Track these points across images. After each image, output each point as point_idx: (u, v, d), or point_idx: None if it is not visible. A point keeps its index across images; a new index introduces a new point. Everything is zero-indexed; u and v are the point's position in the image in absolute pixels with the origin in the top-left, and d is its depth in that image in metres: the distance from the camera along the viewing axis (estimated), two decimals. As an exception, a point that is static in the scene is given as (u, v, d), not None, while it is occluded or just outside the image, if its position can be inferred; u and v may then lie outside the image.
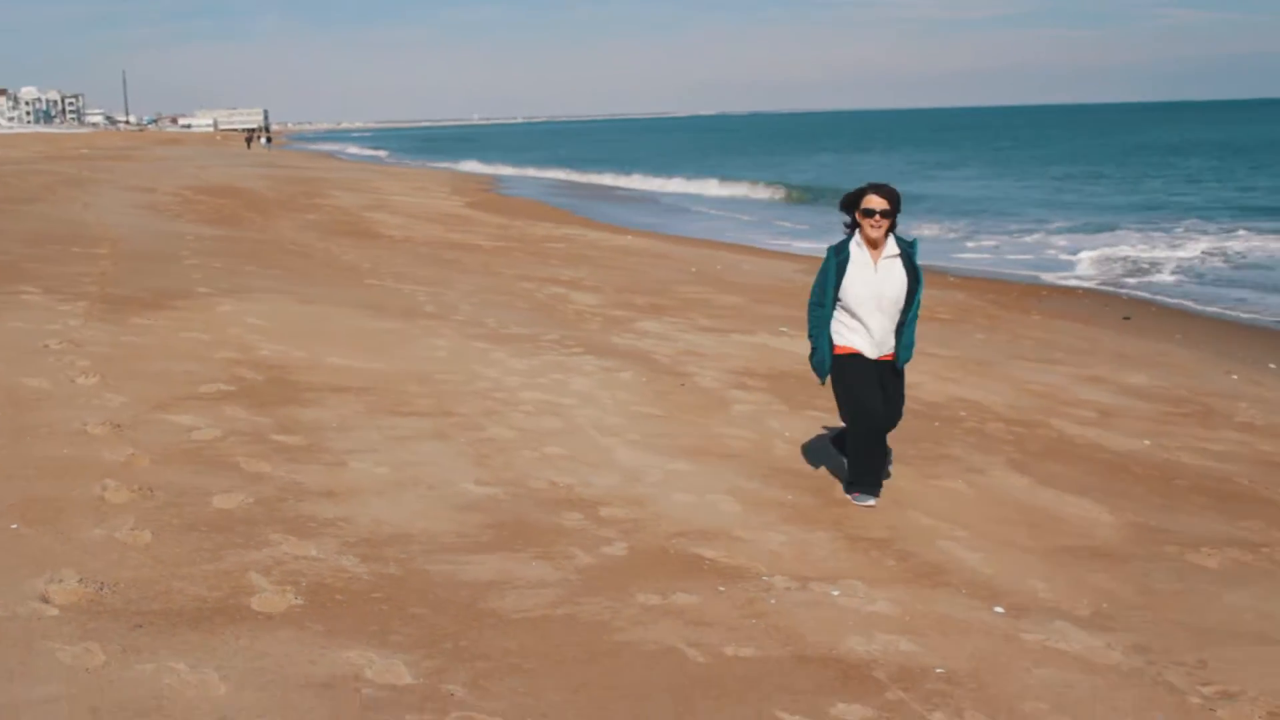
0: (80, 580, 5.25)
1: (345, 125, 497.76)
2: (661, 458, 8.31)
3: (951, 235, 31.69)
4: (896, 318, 7.50)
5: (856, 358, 7.54)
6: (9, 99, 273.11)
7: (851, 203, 7.48)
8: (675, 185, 57.25)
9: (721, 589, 5.92)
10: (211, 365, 9.85)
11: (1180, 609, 6.26)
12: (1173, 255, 27.47)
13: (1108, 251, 28.05)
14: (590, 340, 12.95)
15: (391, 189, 43.42)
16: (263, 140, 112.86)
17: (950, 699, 4.89)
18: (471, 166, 79.11)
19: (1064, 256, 27.59)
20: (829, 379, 7.75)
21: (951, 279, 22.28)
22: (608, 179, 64.16)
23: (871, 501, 7.67)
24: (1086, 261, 26.41)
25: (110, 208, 25.54)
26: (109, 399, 8.44)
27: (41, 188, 31.18)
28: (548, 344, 12.39)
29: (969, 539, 7.11)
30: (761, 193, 52.41)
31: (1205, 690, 5.21)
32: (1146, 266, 25.76)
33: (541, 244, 25.11)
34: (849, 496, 7.72)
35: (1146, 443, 10.24)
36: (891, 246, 7.46)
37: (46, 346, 9.92)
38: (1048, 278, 24.20)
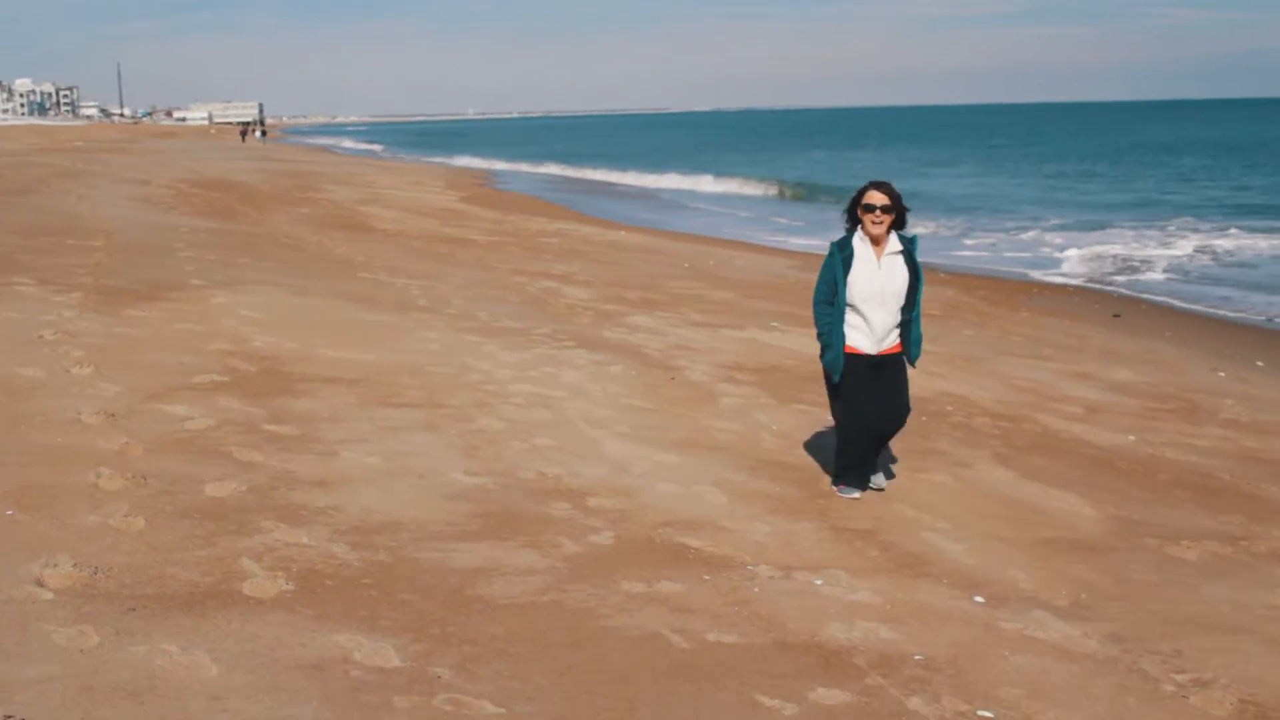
0: (75, 565, 5.34)
1: (340, 119, 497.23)
2: (650, 449, 8.40)
3: (944, 233, 31.77)
4: (897, 314, 7.52)
5: (853, 358, 7.57)
6: (3, 91, 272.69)
7: (853, 200, 7.52)
8: (670, 181, 57.27)
9: (706, 577, 6.02)
10: (205, 356, 9.93)
11: (1157, 600, 6.37)
12: (1164, 253, 27.59)
13: (1099, 249, 28.16)
14: (581, 334, 13.04)
15: (386, 183, 43.46)
16: (257, 134, 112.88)
17: (928, 685, 4.99)
18: (466, 161, 79.10)
19: (1055, 254, 27.69)
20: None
21: (943, 275, 22.35)
22: (602, 174, 64.20)
23: (856, 494, 7.76)
24: (1077, 259, 26.51)
25: (105, 200, 25.59)
26: (103, 389, 8.52)
27: (36, 180, 31.22)
28: (539, 337, 12.48)
29: (952, 531, 7.22)
30: (756, 189, 52.47)
31: (1179, 678, 5.31)
32: (1137, 264, 25.87)
33: (535, 239, 25.18)
34: (834, 489, 7.82)
35: (1131, 438, 10.34)
36: (894, 243, 7.48)
37: (41, 337, 10.00)
38: (1038, 275, 24.29)
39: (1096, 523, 7.71)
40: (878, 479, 7.90)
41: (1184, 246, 28.79)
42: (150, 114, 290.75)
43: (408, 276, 16.74)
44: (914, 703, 4.80)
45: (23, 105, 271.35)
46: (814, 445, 8.88)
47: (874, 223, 7.37)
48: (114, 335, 10.40)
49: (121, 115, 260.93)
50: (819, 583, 6.11)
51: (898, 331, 7.57)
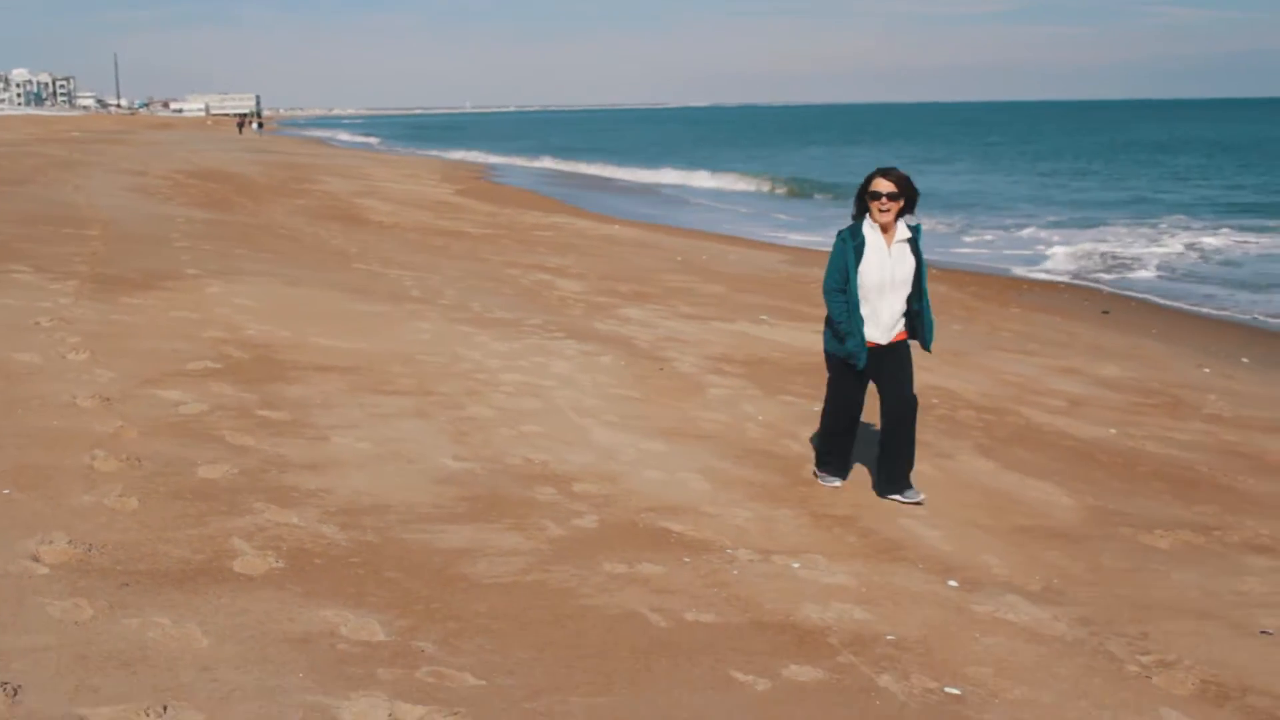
0: (70, 542, 5.48)
1: (337, 111, 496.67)
2: (636, 437, 8.55)
3: (942, 230, 31.89)
4: (904, 302, 7.52)
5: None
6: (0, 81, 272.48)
7: (861, 187, 7.51)
8: (666, 176, 57.37)
9: (686, 560, 6.16)
10: (199, 344, 10.06)
11: (1128, 585, 6.52)
12: (1154, 251, 27.77)
13: (1089, 246, 28.33)
14: (573, 325, 13.18)
15: (382, 176, 43.57)
16: (254, 125, 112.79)
17: (898, 663, 5.14)
18: (462, 154, 79.16)
19: (1045, 251, 27.86)
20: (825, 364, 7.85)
21: (934, 271, 22.41)
22: (598, 169, 64.29)
23: (837, 483, 7.88)
24: (1068, 256, 26.67)
25: (101, 190, 25.69)
26: (99, 374, 8.65)
27: (33, 169, 31.30)
28: (530, 328, 12.62)
29: (930, 518, 7.37)
30: (752, 185, 52.59)
31: (1143, 659, 5.47)
32: (1128, 262, 26.03)
33: (529, 232, 25.32)
34: (815, 475, 7.97)
35: (1113, 431, 10.50)
36: (903, 230, 7.49)
37: (37, 324, 10.13)
38: (1029, 271, 24.46)
39: (1073, 512, 7.87)
40: (912, 493, 7.63)
41: (1175, 244, 28.98)
42: (147, 105, 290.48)
43: (402, 268, 16.87)
44: (884, 680, 4.95)
45: (19, 95, 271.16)
46: (798, 435, 9.03)
47: (881, 210, 7.36)
48: (109, 322, 10.53)
49: (118, 106, 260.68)
50: (797, 566, 6.25)
51: (904, 319, 7.59)
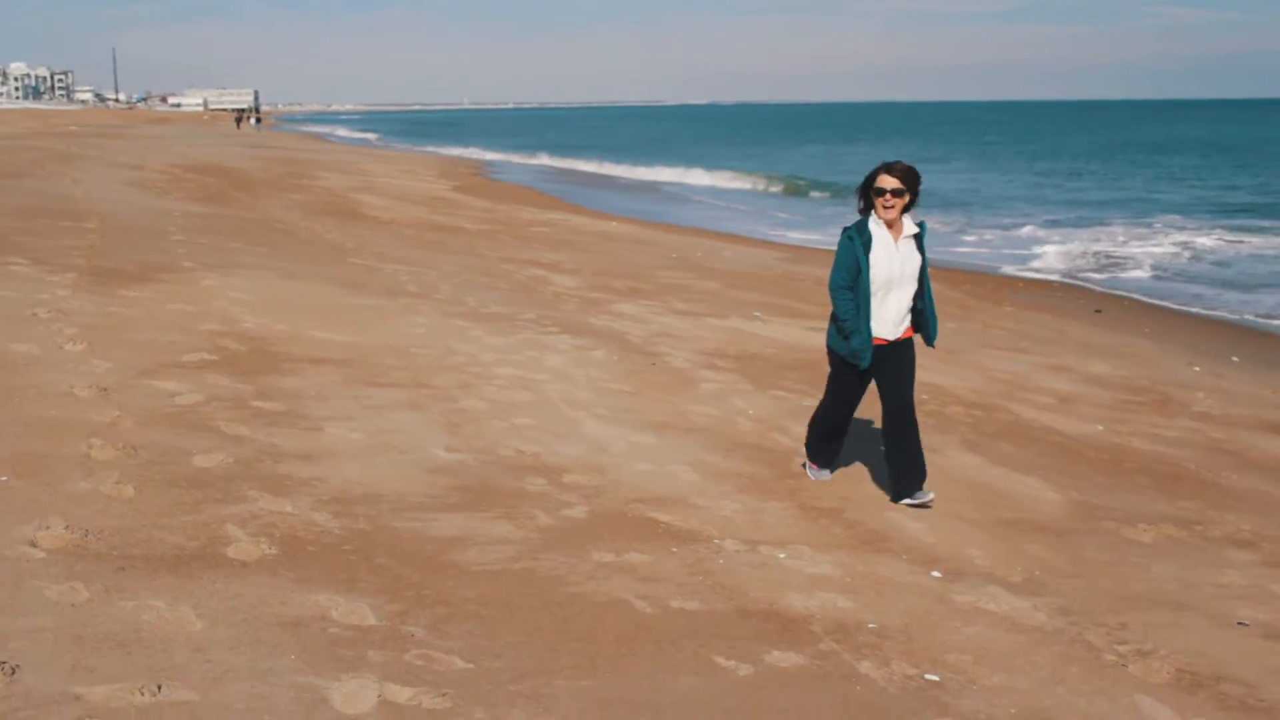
0: (67, 527, 5.57)
1: (335, 107, 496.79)
2: (627, 430, 8.65)
3: (940, 229, 32.00)
4: (910, 298, 7.53)
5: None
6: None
7: (866, 184, 7.46)
8: (662, 174, 57.47)
9: (674, 550, 6.27)
10: (195, 336, 10.15)
11: (1109, 577, 6.62)
12: (1148, 251, 27.89)
13: (1084, 246, 28.45)
14: (567, 320, 13.28)
15: (379, 171, 43.65)
16: (252, 121, 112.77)
17: (879, 650, 5.24)
18: (460, 151, 79.27)
19: (1040, 250, 27.96)
20: (827, 363, 7.83)
21: (930, 269, 22.57)
22: (595, 166, 64.41)
23: (826, 475, 7.97)
24: (1062, 255, 26.79)
25: (99, 184, 25.76)
26: (96, 365, 8.74)
27: (31, 163, 31.36)
28: (524, 323, 12.71)
29: (915, 511, 7.46)
30: (748, 182, 52.71)
31: (1121, 649, 5.57)
32: (1121, 261, 26.16)
33: (525, 228, 25.41)
34: (804, 467, 8.05)
35: (1100, 428, 10.59)
36: (910, 226, 7.44)
37: (35, 315, 10.21)
38: (1022, 270, 24.58)
39: (1057, 506, 7.96)
40: (923, 495, 7.59)
41: (1168, 244, 29.10)
42: (145, 99, 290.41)
43: (397, 263, 16.96)
44: (864, 666, 5.06)
45: (17, 89, 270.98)
46: (788, 429, 9.12)
47: (885, 207, 7.31)
48: (107, 314, 10.62)
49: (116, 100, 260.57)
50: (782, 556, 6.35)
51: (910, 316, 7.60)
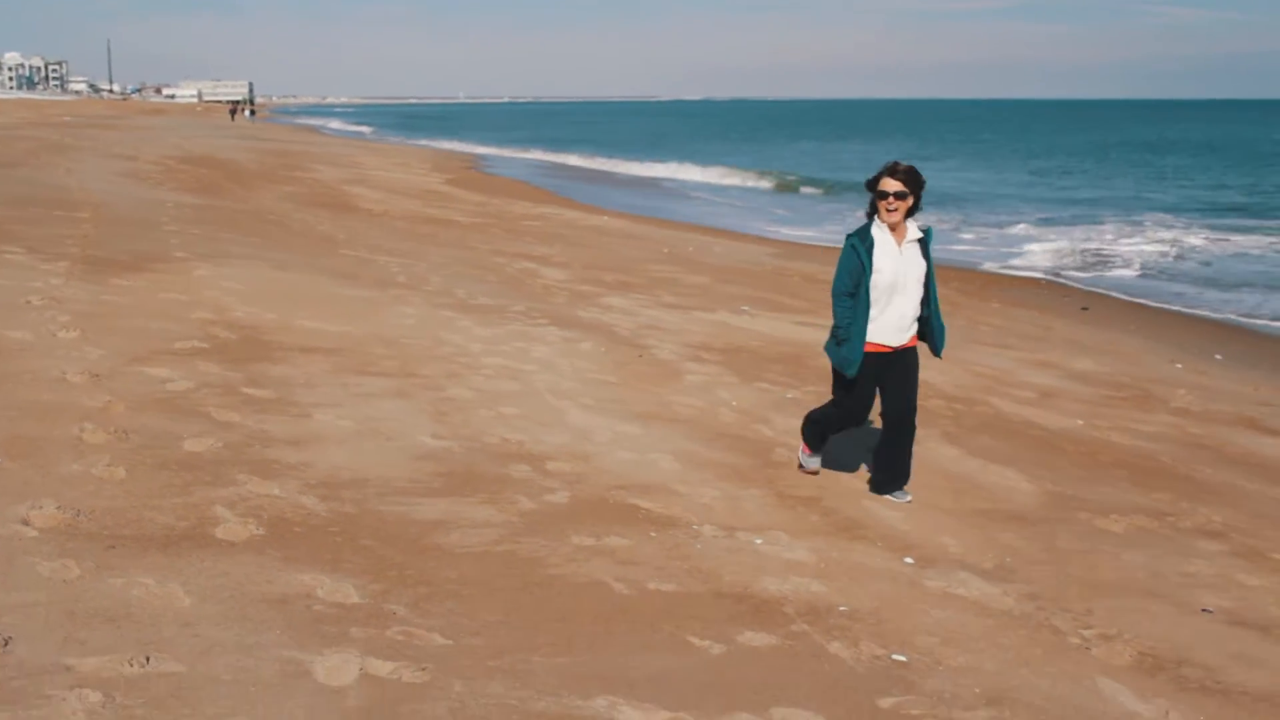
0: (58, 507, 5.71)
1: (330, 100, 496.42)
2: (612, 420, 8.79)
3: (938, 227, 32.24)
4: (917, 304, 7.48)
5: (870, 355, 7.47)
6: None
7: (870, 186, 7.41)
8: (656, 169, 57.53)
9: (653, 534, 6.41)
10: (187, 324, 10.28)
11: (1078, 565, 6.77)
12: (1137, 249, 28.07)
13: (1073, 244, 28.65)
14: (555, 313, 13.41)
15: (372, 164, 43.76)
16: (246, 113, 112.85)
17: (849, 632, 5.39)
18: (454, 145, 79.34)
19: (1029, 247, 28.15)
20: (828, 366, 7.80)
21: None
22: (589, 161, 64.53)
23: (816, 465, 8.01)
24: (1051, 253, 26.98)
25: (93, 174, 25.87)
26: (88, 351, 8.87)
27: (25, 153, 31.45)
28: (513, 315, 12.85)
29: (892, 500, 7.61)
30: (742, 179, 52.83)
31: (1086, 633, 5.73)
32: (1110, 259, 26.35)
33: (518, 221, 25.54)
34: (800, 456, 8.03)
35: (1079, 422, 10.74)
36: (914, 230, 7.41)
37: (29, 302, 10.34)
38: (1011, 268, 24.75)
39: (1032, 496, 8.11)
40: (901, 495, 7.71)
41: (1157, 243, 29.28)
42: (139, 90, 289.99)
43: (389, 254, 17.10)
44: (834, 646, 5.21)
45: (11, 79, 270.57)
46: (771, 421, 9.27)
47: (888, 210, 7.28)
48: (99, 302, 10.74)
49: (110, 91, 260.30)
50: (759, 542, 6.50)
51: (916, 323, 7.56)
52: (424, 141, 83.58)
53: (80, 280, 11.70)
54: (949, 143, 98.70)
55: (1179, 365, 14.73)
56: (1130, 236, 30.67)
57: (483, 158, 62.99)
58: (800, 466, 8.05)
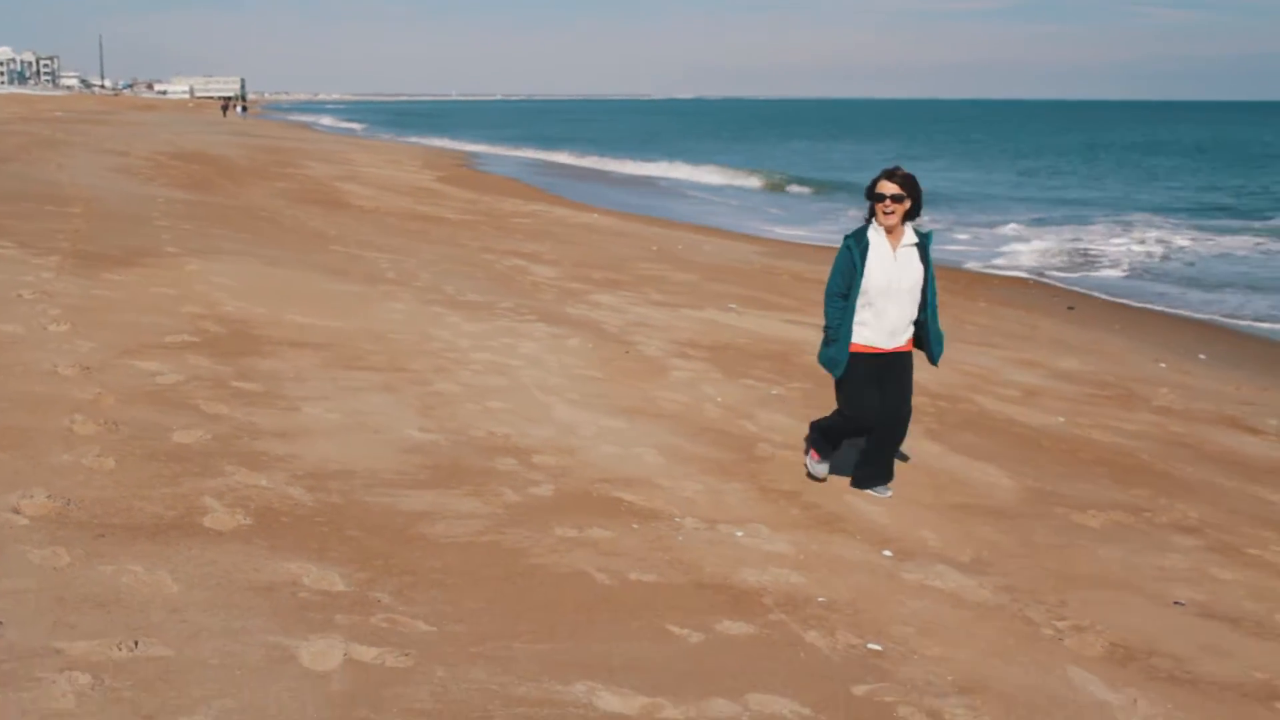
0: (49, 496, 5.79)
1: (322, 96, 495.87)
2: (597, 415, 8.88)
3: (931, 227, 32.37)
4: (912, 308, 7.48)
5: (863, 356, 7.50)
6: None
7: (868, 190, 7.44)
8: (647, 168, 57.62)
9: (635, 526, 6.51)
10: (177, 318, 10.37)
11: (1055, 559, 6.88)
12: (1124, 249, 28.25)
13: (1060, 244, 28.82)
14: (544, 309, 13.51)
15: (364, 161, 43.82)
16: (238, 109, 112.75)
17: (826, 622, 5.50)
18: (446, 142, 79.42)
19: (1017, 247, 28.32)
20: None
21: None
22: (581, 159, 64.63)
23: (824, 471, 7.86)
24: (1038, 253, 27.15)
25: (84, 169, 25.91)
26: (79, 344, 8.95)
27: (16, 148, 31.48)
28: (502, 311, 12.94)
29: (872, 495, 7.71)
30: (733, 178, 52.94)
31: (1059, 624, 5.84)
32: (1097, 259, 26.51)
33: (508, 219, 25.63)
34: (806, 457, 7.94)
35: (1061, 420, 10.85)
36: (910, 235, 7.44)
37: (20, 296, 10.41)
38: (998, 267, 24.89)
39: (1012, 492, 8.22)
40: (882, 490, 7.78)
41: (1145, 243, 29.48)
42: (131, 86, 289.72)
43: (379, 251, 17.18)
44: (811, 636, 5.31)
45: (3, 74, 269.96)
46: (755, 416, 9.37)
47: (885, 212, 7.31)
48: (90, 296, 10.82)
49: (102, 86, 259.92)
50: (740, 534, 6.60)
51: (912, 328, 7.57)
52: (415, 139, 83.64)
53: (71, 275, 11.77)
54: (939, 142, 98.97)
55: (1163, 365, 14.86)
56: (1118, 237, 30.85)
57: (474, 155, 63.05)
58: (809, 474, 7.91)
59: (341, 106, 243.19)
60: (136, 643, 4.38)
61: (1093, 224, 34.01)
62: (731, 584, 5.84)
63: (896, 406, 7.66)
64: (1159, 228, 33.27)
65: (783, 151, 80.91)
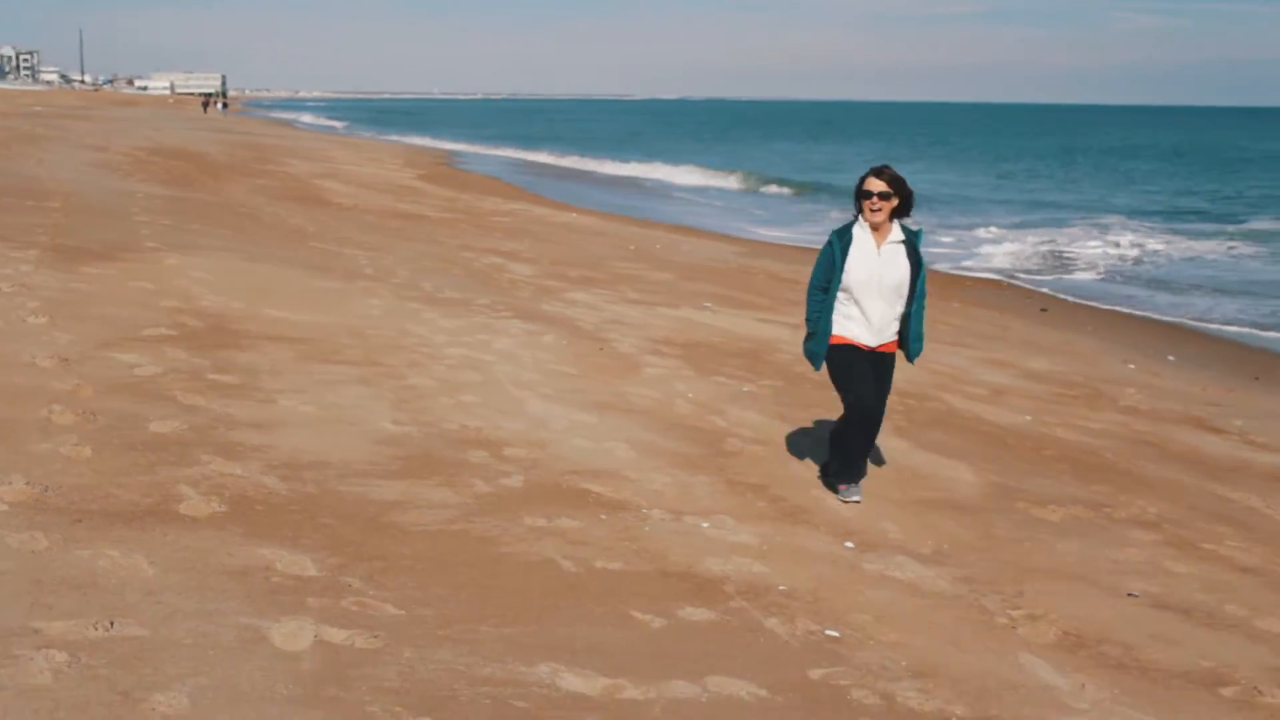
0: (27, 483, 5.92)
1: (303, 94, 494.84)
2: (569, 409, 9.02)
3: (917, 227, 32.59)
4: (898, 306, 7.50)
5: (850, 349, 7.52)
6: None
7: (856, 187, 7.45)
8: (629, 169, 57.73)
9: (603, 517, 6.66)
10: (155, 312, 10.47)
11: (1013, 552, 7.05)
12: (1098, 252, 28.52)
13: (1035, 246, 29.06)
14: (520, 306, 13.64)
15: (344, 159, 43.89)
16: (219, 105, 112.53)
17: (786, 609, 5.66)
18: (426, 140, 79.48)
19: (991, 249, 28.57)
20: (824, 368, 7.72)
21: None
22: (562, 158, 64.75)
23: (858, 497, 7.65)
24: (1013, 255, 27.39)
25: (63, 164, 25.96)
26: (57, 337, 9.06)
27: (-5, 142, 31.49)
28: (478, 308, 13.07)
29: (843, 499, 7.85)
30: (714, 178, 53.10)
31: (1013, 613, 6.00)
32: (1072, 262, 26.75)
33: (487, 217, 25.75)
34: (835, 492, 7.73)
35: (1028, 418, 11.03)
36: (897, 232, 7.45)
37: (-1, 289, 10.51)
38: (971, 269, 25.12)
39: (974, 487, 8.39)
40: (853, 490, 7.69)
41: (1119, 246, 29.75)
42: (111, 81, 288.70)
43: (357, 248, 17.29)
44: (770, 622, 5.47)
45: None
46: (725, 412, 9.52)
47: (872, 210, 7.34)
48: (69, 290, 10.92)
49: (82, 82, 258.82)
50: (705, 526, 6.76)
51: (896, 327, 7.59)
52: (396, 137, 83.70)
53: (50, 268, 11.87)
54: (918, 145, 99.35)
55: (1132, 366, 15.05)
56: (1094, 239, 31.11)
57: (455, 154, 63.13)
58: (843, 503, 7.66)
59: (323, 104, 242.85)
60: (112, 623, 4.52)
61: (1068, 226, 34.31)
62: (695, 572, 5.99)
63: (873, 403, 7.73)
64: (1134, 231, 33.57)
65: (763, 152, 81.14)
